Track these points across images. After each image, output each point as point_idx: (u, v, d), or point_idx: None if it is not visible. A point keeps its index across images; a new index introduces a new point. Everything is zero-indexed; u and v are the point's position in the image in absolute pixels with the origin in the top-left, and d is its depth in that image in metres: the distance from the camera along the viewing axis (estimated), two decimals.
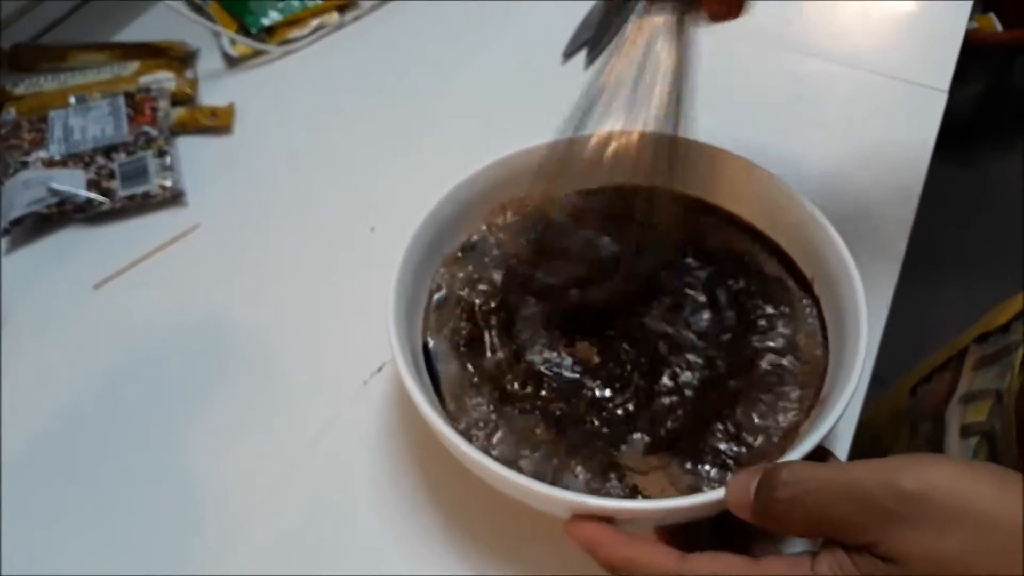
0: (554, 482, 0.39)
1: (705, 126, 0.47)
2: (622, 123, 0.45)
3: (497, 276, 0.48)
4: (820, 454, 0.37)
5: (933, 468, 0.27)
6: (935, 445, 0.53)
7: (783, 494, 0.30)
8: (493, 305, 0.47)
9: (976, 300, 0.62)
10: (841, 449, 0.46)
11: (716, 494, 0.34)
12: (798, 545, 0.34)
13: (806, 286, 0.46)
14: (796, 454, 0.36)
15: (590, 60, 0.68)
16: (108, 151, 0.61)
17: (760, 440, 0.41)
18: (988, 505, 0.26)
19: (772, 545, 0.35)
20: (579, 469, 0.40)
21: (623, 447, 0.41)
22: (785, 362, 0.44)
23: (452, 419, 0.42)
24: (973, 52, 0.68)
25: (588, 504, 0.35)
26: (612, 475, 0.40)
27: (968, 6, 0.73)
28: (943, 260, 1.15)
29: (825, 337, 0.44)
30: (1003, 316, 0.55)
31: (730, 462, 0.41)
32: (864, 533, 0.28)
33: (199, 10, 0.71)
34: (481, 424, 0.42)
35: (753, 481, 0.31)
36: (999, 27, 1.61)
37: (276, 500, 0.45)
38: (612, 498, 0.36)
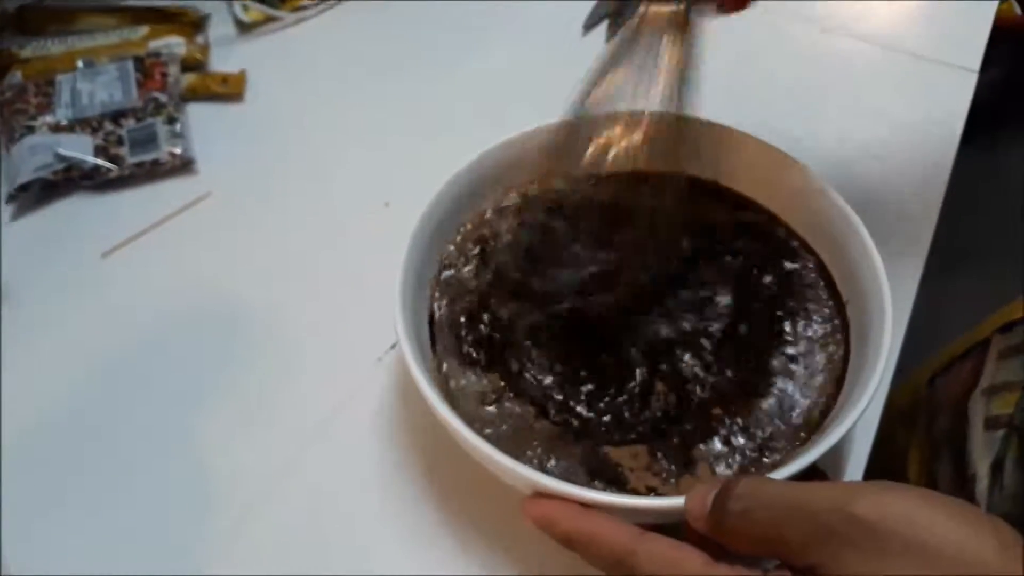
0: (547, 471, 0.39)
1: (724, 107, 0.45)
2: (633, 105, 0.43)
3: (503, 259, 0.47)
4: (812, 474, 0.36)
5: (890, 496, 0.27)
6: (956, 439, 0.52)
7: (735, 507, 0.29)
8: (497, 295, 0.46)
9: (995, 290, 0.61)
10: (860, 454, 0.44)
11: (678, 500, 0.33)
12: None
13: (840, 305, 0.44)
14: (788, 470, 0.35)
15: (611, 33, 0.67)
16: (116, 117, 0.60)
17: (760, 452, 0.40)
18: (939, 538, 0.25)
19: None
20: (566, 463, 0.40)
21: (619, 443, 0.40)
22: (800, 373, 0.42)
23: (454, 400, 0.41)
24: (993, 37, 0.66)
25: (549, 486, 0.35)
26: (604, 469, 0.40)
27: None
28: (961, 248, 1.13)
29: (846, 360, 0.42)
30: None
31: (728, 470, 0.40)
32: (809, 554, 0.27)
33: None
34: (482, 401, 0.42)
35: (711, 493, 0.31)
36: (1020, 11, 1.58)
37: (288, 481, 0.44)
38: (577, 485, 0.35)
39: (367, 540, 0.42)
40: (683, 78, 0.41)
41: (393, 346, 0.49)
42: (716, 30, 0.42)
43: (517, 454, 0.38)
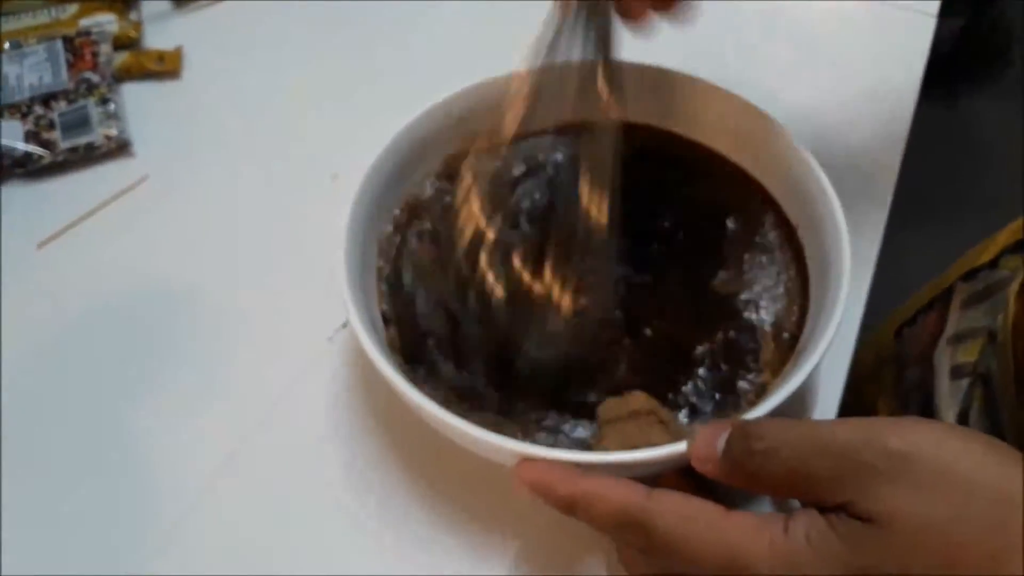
0: (507, 433, 0.37)
1: (676, 60, 0.45)
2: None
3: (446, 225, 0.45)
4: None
5: (919, 429, 0.26)
6: (924, 390, 0.51)
7: (758, 446, 0.28)
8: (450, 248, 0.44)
9: (960, 241, 0.60)
10: (830, 404, 0.44)
11: (679, 447, 0.32)
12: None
13: (790, 232, 0.44)
14: (766, 407, 0.34)
15: None
16: (47, 100, 0.57)
17: (729, 395, 0.40)
18: (971, 472, 0.25)
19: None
20: (533, 416, 0.39)
21: (584, 393, 0.40)
22: (761, 314, 0.42)
23: (412, 371, 0.40)
24: None
25: (539, 455, 0.33)
26: (573, 423, 0.39)
27: None
28: (924, 201, 1.13)
29: (806, 288, 0.42)
30: (989, 252, 0.52)
31: (697, 416, 0.39)
32: (842, 490, 0.27)
33: None
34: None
35: (721, 435, 0.30)
36: None
37: (233, 474, 0.43)
38: (566, 450, 0.34)
39: (325, 522, 0.41)
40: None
41: (344, 325, 0.47)
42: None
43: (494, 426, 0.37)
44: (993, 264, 0.51)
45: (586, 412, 0.39)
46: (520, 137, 0.43)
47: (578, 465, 0.33)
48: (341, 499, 0.42)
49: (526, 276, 0.41)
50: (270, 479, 0.43)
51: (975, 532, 0.25)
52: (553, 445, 0.38)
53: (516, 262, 0.41)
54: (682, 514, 0.29)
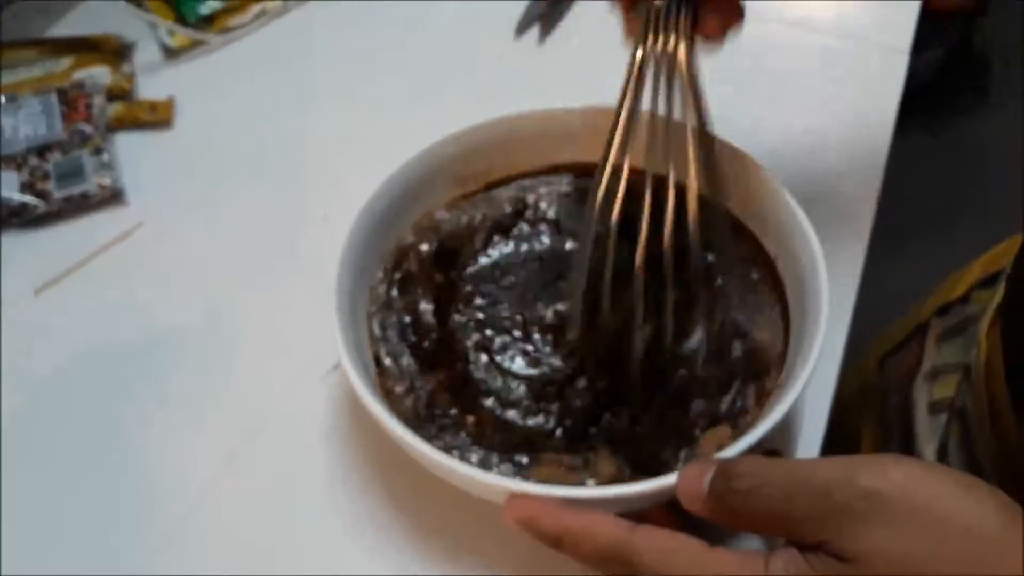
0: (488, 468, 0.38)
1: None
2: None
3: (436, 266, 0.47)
4: (771, 453, 0.36)
5: (894, 467, 0.27)
6: (904, 421, 0.52)
7: (740, 485, 0.29)
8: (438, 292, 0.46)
9: (944, 265, 0.62)
10: (815, 434, 0.44)
11: (667, 480, 0.33)
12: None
13: (769, 265, 0.45)
14: (748, 440, 0.35)
15: (543, 36, 0.66)
16: (42, 151, 0.58)
17: (714, 426, 0.40)
18: (948, 510, 0.26)
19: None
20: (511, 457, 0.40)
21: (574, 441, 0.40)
22: (743, 346, 0.43)
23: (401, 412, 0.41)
24: (932, 17, 0.66)
25: (529, 491, 0.34)
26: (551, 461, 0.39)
27: None
28: (908, 227, 1.14)
29: (787, 320, 0.43)
30: (961, 286, 0.53)
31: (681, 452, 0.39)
32: (821, 529, 0.27)
33: (134, 1, 0.68)
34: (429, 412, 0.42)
35: (708, 472, 0.30)
36: None
37: (225, 508, 0.43)
38: (556, 485, 0.34)
39: (315, 555, 0.41)
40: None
41: (337, 366, 0.48)
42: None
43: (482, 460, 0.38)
44: (965, 299, 0.52)
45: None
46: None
47: (566, 500, 0.33)
48: (330, 528, 0.42)
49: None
50: (257, 515, 0.43)
51: (951, 569, 0.25)
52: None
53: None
54: (666, 549, 0.30)
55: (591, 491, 0.34)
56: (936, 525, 0.25)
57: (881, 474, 0.26)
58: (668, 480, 0.33)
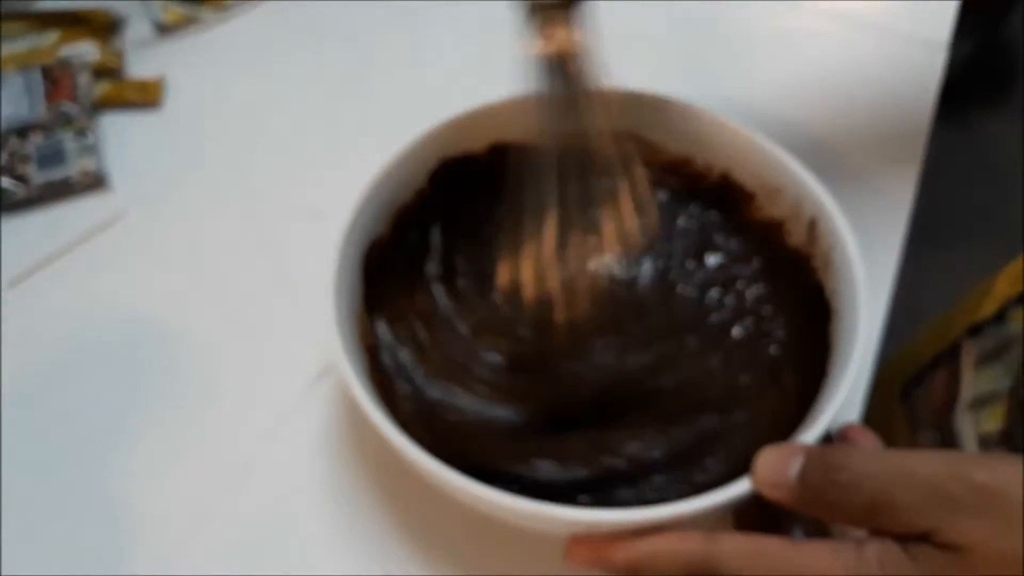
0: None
1: (687, 89, 0.43)
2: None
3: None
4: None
5: (1008, 465, 0.27)
6: None
7: (842, 478, 0.28)
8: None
9: (961, 275, 0.58)
10: None
11: (743, 485, 0.31)
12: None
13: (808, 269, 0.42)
14: (814, 432, 0.32)
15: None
16: (22, 132, 0.55)
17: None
18: None
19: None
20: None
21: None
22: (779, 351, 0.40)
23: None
24: (962, 10, 0.63)
25: (586, 520, 0.31)
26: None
27: None
28: (938, 227, 1.10)
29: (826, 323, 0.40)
30: (990, 304, 0.49)
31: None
32: (925, 520, 0.27)
33: None
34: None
35: (794, 461, 0.30)
36: None
37: (218, 515, 0.40)
38: (621, 509, 0.31)
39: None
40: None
41: (326, 371, 0.44)
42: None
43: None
44: (1000, 318, 0.48)
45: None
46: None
47: (631, 528, 0.31)
48: (325, 537, 0.39)
49: None
50: (255, 528, 0.40)
51: None
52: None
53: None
54: (749, 552, 0.29)
55: (653, 512, 0.31)
56: None
57: (995, 471, 0.27)
58: (744, 485, 0.31)
